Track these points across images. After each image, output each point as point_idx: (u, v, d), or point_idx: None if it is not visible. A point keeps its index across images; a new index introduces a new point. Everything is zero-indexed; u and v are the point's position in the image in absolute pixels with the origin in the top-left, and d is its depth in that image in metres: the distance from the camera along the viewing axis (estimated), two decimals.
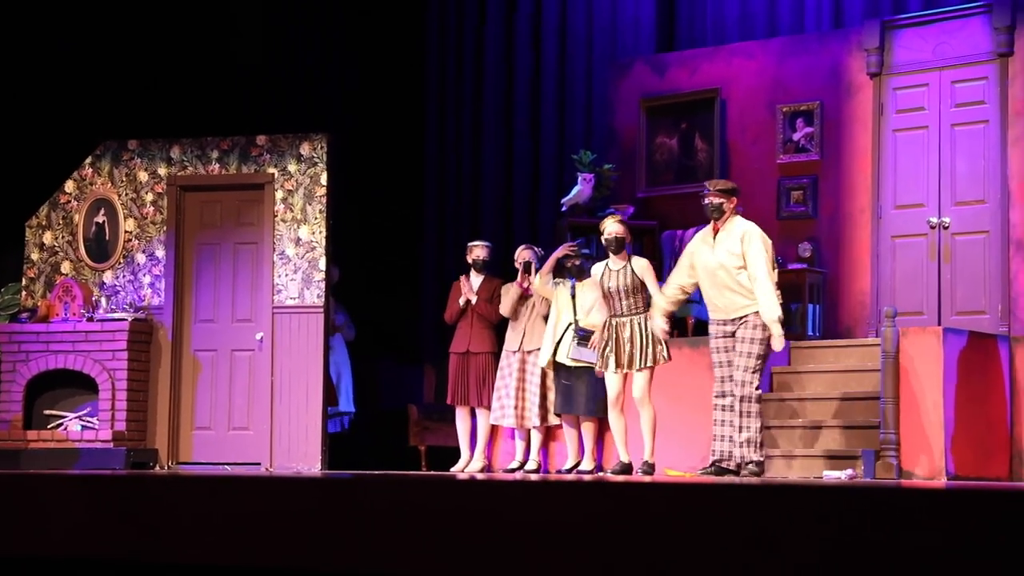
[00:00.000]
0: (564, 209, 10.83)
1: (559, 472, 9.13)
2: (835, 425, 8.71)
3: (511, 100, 12.78)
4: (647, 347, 8.35)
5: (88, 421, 10.39)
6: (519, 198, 12.63)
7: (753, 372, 7.90)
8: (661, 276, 10.66)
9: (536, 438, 9.27)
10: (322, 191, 10.45)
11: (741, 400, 7.91)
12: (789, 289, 9.98)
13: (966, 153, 9.78)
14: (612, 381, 8.50)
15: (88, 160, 10.93)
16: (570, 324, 8.88)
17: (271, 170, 10.57)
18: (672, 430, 8.79)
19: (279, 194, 10.52)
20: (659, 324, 8.28)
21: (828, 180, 10.39)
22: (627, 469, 8.50)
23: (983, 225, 9.67)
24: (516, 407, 9.18)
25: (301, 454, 10.21)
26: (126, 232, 10.77)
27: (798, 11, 11.43)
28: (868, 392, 8.69)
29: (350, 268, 11.46)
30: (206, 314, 10.63)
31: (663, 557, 3.76)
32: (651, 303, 8.44)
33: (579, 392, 8.89)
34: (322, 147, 10.48)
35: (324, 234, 10.40)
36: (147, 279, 10.69)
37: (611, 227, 8.61)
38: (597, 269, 8.67)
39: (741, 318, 7.97)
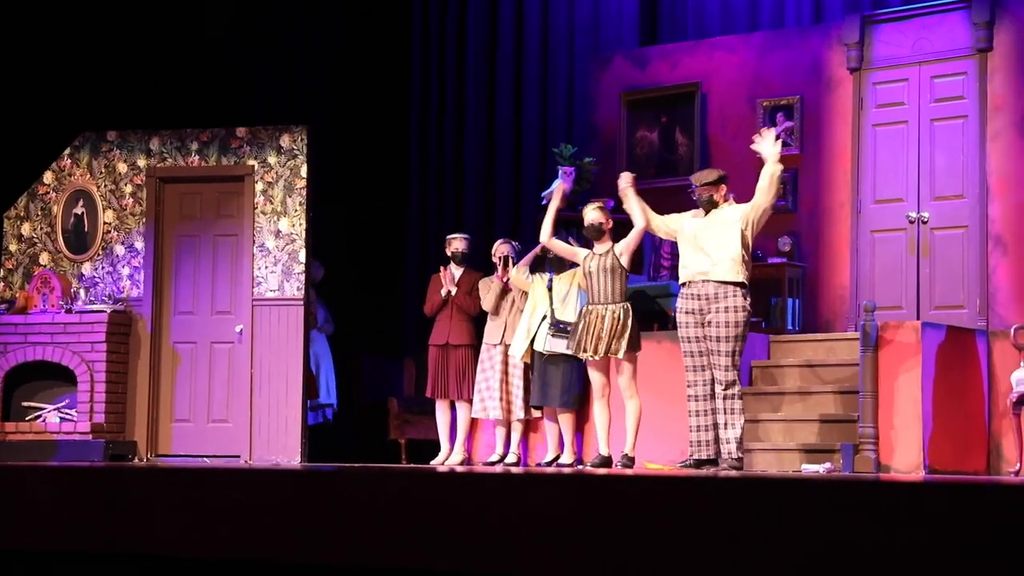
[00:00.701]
0: (544, 202, 10.83)
1: (539, 465, 9.13)
2: (813, 419, 8.74)
3: (493, 93, 12.78)
4: (625, 338, 8.34)
5: (67, 413, 10.36)
6: (501, 191, 12.64)
7: (733, 366, 7.86)
8: (641, 271, 10.70)
9: (516, 431, 9.28)
10: (302, 183, 10.43)
11: (725, 398, 7.86)
12: (769, 283, 10.03)
13: (945, 148, 9.82)
14: (596, 373, 8.51)
15: (67, 151, 10.89)
16: (545, 316, 8.88)
17: (251, 162, 10.54)
18: (651, 423, 8.79)
19: (259, 186, 10.49)
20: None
21: (808, 174, 10.42)
22: (607, 462, 8.51)
23: (962, 220, 9.71)
24: (502, 400, 9.18)
25: (281, 447, 10.20)
26: (105, 224, 10.74)
27: (779, 6, 11.46)
28: (847, 386, 8.72)
29: (331, 261, 11.45)
30: (185, 306, 10.61)
31: (643, 550, 3.76)
32: (627, 295, 8.46)
33: (553, 384, 8.88)
34: (302, 139, 10.46)
35: (304, 227, 10.38)
36: (126, 271, 10.66)
37: (590, 215, 8.63)
38: (582, 253, 8.68)
39: (714, 294, 7.88)
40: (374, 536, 4.28)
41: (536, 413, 9.21)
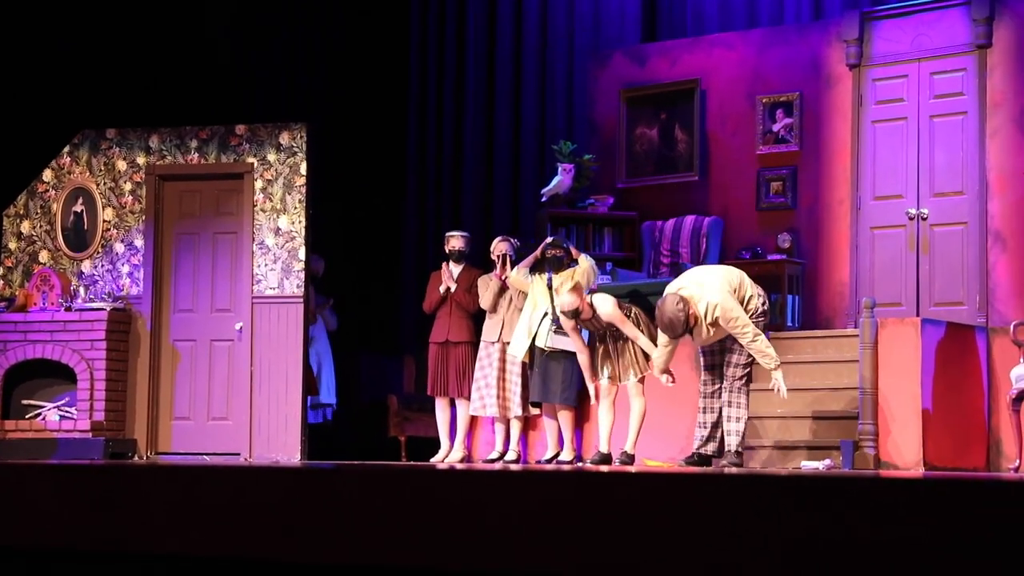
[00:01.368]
0: (544, 199, 10.84)
1: (539, 462, 9.13)
2: (813, 416, 8.74)
3: (492, 90, 12.77)
4: (637, 361, 8.45)
5: (66, 411, 10.36)
6: (500, 188, 12.64)
7: (749, 360, 7.94)
8: (640, 268, 10.70)
9: (516, 428, 9.28)
10: (301, 181, 10.42)
11: (731, 390, 7.93)
12: (768, 280, 10.02)
13: (945, 144, 9.82)
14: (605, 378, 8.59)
15: (66, 149, 10.88)
16: (546, 313, 8.88)
17: (250, 159, 10.54)
18: (651, 421, 8.80)
19: (258, 183, 10.49)
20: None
21: (807, 171, 10.41)
22: (606, 459, 8.52)
23: (961, 216, 9.70)
24: (498, 397, 9.18)
25: (281, 444, 10.20)
26: (105, 221, 10.73)
27: (778, 2, 11.46)
28: (846, 383, 8.71)
29: (330, 259, 11.45)
30: (185, 304, 10.60)
31: (642, 547, 3.76)
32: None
33: (554, 380, 8.88)
34: (301, 136, 10.46)
35: (304, 224, 10.37)
36: (126, 268, 10.66)
37: (565, 303, 8.45)
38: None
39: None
40: (374, 534, 4.28)
41: (534, 411, 9.21)
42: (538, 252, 9.10)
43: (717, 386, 8.02)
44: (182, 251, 10.63)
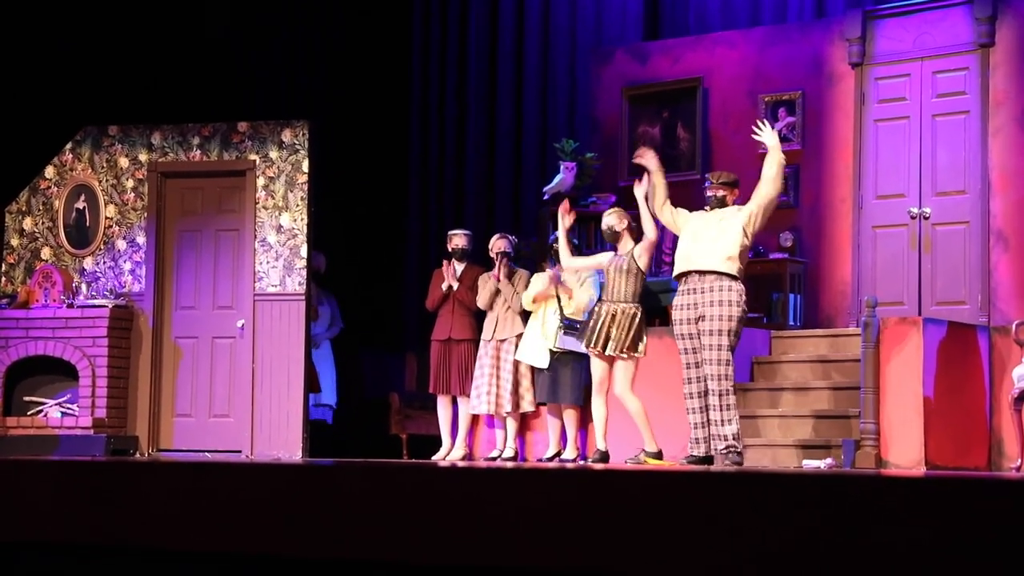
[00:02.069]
0: (546, 197, 10.83)
1: (540, 461, 9.13)
2: (815, 414, 8.73)
3: (494, 88, 12.77)
4: (629, 337, 8.35)
5: (68, 408, 10.36)
6: (502, 186, 12.63)
7: (725, 362, 7.80)
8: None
9: (511, 426, 9.28)
10: (304, 178, 10.42)
11: (720, 395, 7.82)
12: (770, 279, 10.02)
13: (947, 143, 9.81)
14: (598, 367, 8.50)
15: (68, 146, 10.89)
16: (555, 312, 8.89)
17: (252, 157, 10.54)
18: (652, 419, 8.80)
19: (260, 181, 10.49)
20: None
21: (809, 170, 10.41)
22: (605, 457, 8.51)
23: (963, 215, 9.70)
24: (489, 394, 9.18)
25: (282, 441, 10.20)
26: (107, 218, 10.74)
27: (780, 1, 11.45)
28: (848, 382, 8.71)
29: (332, 256, 11.44)
30: (187, 301, 10.61)
31: (643, 545, 3.76)
32: (642, 295, 8.48)
33: (564, 381, 8.91)
34: (304, 134, 10.46)
35: (306, 221, 10.37)
36: (128, 265, 10.66)
37: (606, 220, 8.65)
38: (605, 258, 8.68)
39: (709, 287, 7.82)
40: (375, 531, 4.28)
41: (529, 408, 9.22)
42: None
43: (700, 386, 7.94)
44: (184, 248, 10.64)
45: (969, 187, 9.69)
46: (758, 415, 8.86)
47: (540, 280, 9.13)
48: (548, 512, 3.95)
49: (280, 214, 10.42)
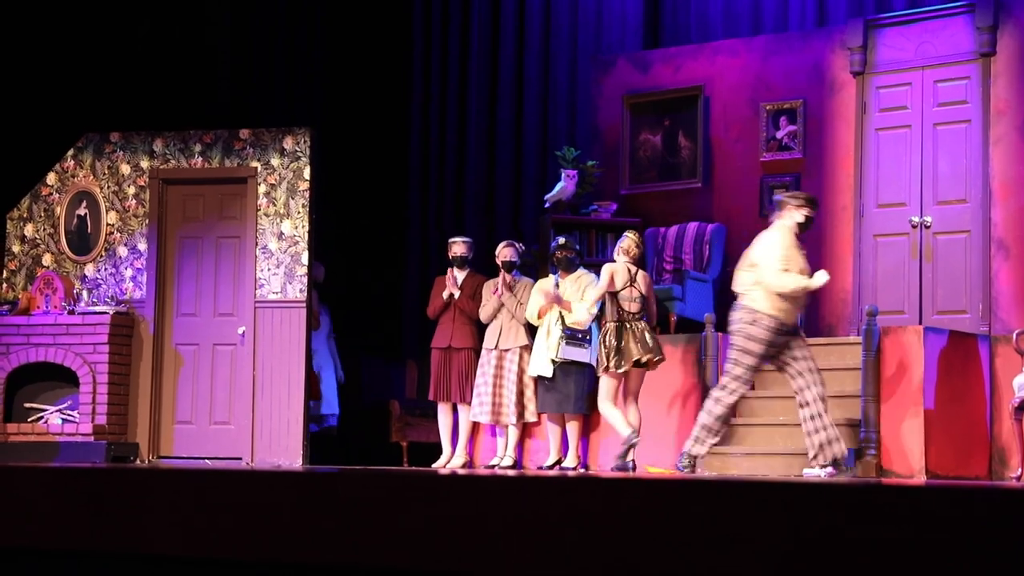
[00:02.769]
0: (547, 206, 10.84)
1: (540, 468, 9.13)
2: None
3: (495, 96, 12.78)
4: (653, 349, 8.49)
5: (69, 414, 10.36)
6: (502, 194, 12.64)
7: (730, 376, 7.90)
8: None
9: (512, 434, 9.29)
10: (305, 185, 10.43)
11: (717, 400, 7.90)
12: None
13: (948, 152, 9.81)
14: (608, 379, 8.57)
15: (70, 152, 10.89)
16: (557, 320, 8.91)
17: (254, 164, 10.55)
18: (653, 428, 8.80)
19: (262, 188, 10.50)
20: None
21: (811, 178, 10.41)
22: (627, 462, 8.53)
23: (965, 225, 9.70)
24: (493, 403, 9.19)
25: (282, 449, 10.20)
26: (108, 225, 10.75)
27: (782, 9, 11.46)
28: (849, 390, 8.71)
29: (333, 264, 11.45)
30: (188, 308, 10.61)
31: (644, 552, 3.76)
32: (651, 312, 8.60)
33: (568, 391, 8.93)
34: (305, 141, 10.47)
35: (307, 228, 10.38)
36: (129, 272, 10.67)
37: (620, 242, 8.78)
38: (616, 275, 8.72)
39: (736, 305, 7.92)
40: (375, 539, 4.28)
41: (532, 418, 9.23)
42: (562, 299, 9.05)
43: (801, 397, 8.01)
44: (185, 255, 10.64)
45: (970, 196, 9.69)
46: (758, 424, 8.85)
47: (539, 296, 9.14)
48: (549, 519, 3.95)
49: (281, 221, 10.43)
